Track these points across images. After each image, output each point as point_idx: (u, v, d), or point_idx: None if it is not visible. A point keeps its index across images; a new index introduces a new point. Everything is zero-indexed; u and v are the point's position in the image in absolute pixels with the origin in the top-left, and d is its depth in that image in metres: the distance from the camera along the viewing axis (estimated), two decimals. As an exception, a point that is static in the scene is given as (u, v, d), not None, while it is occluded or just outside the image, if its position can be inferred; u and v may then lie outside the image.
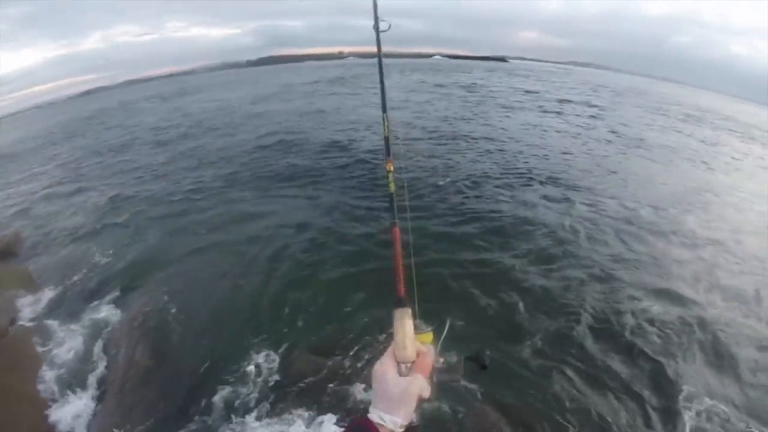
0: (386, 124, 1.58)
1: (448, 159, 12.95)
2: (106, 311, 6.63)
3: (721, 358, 5.70)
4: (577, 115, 23.43)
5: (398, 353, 1.02)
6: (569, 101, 29.80)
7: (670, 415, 4.74)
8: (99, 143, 21.52)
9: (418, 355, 1.03)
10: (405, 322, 1.07)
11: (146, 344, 5.73)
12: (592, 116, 23.62)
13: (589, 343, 5.69)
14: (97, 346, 5.94)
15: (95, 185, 13.51)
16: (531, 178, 11.66)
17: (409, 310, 1.10)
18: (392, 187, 1.40)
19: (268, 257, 7.60)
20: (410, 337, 1.05)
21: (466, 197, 10.17)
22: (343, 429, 0.92)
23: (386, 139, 1.56)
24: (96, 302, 6.87)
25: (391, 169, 1.47)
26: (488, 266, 7.33)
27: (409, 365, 1.01)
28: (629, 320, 6.18)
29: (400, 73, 48.78)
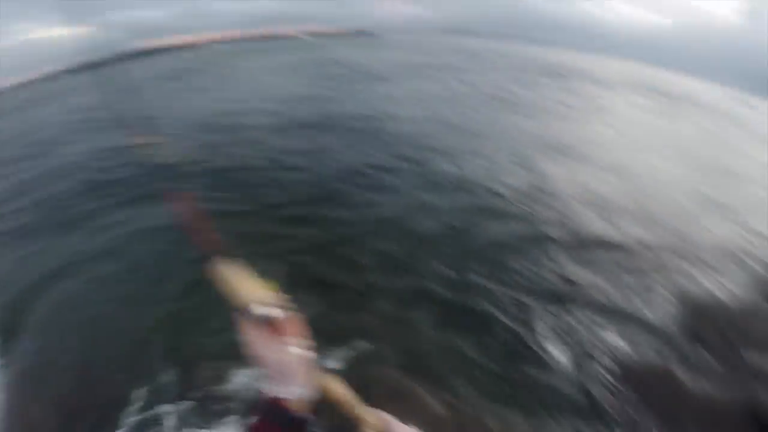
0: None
1: (308, 145, 11.49)
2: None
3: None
4: (450, 81, 23.53)
5: (255, 313, 0.92)
6: (440, 68, 30.16)
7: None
8: None
9: (275, 312, 0.93)
10: (239, 275, 0.97)
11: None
12: (462, 80, 23.92)
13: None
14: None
15: None
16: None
17: (233, 261, 0.99)
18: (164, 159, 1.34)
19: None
20: (255, 289, 0.94)
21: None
22: (256, 417, 0.90)
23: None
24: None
25: (144, 142, 1.39)
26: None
27: (268, 321, 0.91)
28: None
29: (259, 54, 45.28)
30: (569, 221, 9.01)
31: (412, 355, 5.53)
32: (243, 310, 0.92)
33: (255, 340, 0.92)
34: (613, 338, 6.08)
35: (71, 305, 6.71)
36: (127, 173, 10.76)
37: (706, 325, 6.47)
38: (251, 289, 0.94)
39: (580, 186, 10.84)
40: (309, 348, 0.95)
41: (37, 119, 22.82)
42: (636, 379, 5.31)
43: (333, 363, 5.33)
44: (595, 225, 9.04)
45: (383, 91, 19.78)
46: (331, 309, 6.13)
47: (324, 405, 0.99)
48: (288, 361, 0.90)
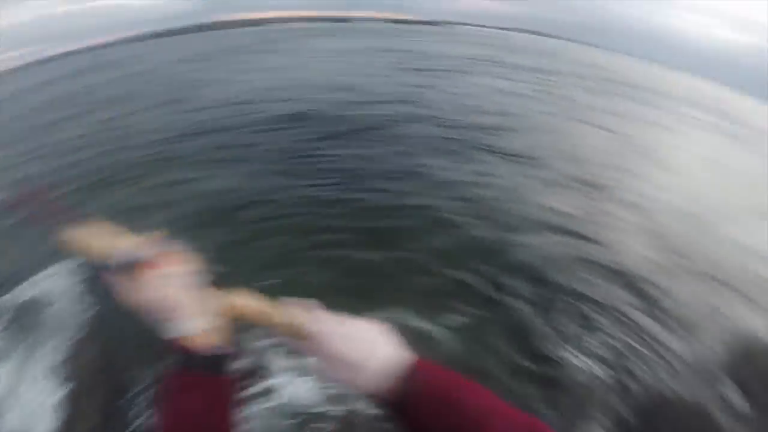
0: None
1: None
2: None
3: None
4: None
5: (117, 260, 0.84)
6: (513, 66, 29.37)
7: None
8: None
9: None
10: (97, 233, 0.89)
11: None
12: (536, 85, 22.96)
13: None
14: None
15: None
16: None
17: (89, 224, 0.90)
18: None
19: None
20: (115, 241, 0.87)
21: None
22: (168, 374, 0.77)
23: None
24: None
25: None
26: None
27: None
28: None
29: (330, 37, 45.95)
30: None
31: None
32: (104, 263, 0.84)
33: (128, 286, 0.82)
34: (651, 366, 5.55)
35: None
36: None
37: (751, 367, 5.88)
38: (110, 242, 0.86)
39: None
40: (193, 272, 0.85)
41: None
42: (670, 409, 5.01)
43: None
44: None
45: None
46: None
47: (239, 326, 0.89)
48: (174, 294, 0.80)
